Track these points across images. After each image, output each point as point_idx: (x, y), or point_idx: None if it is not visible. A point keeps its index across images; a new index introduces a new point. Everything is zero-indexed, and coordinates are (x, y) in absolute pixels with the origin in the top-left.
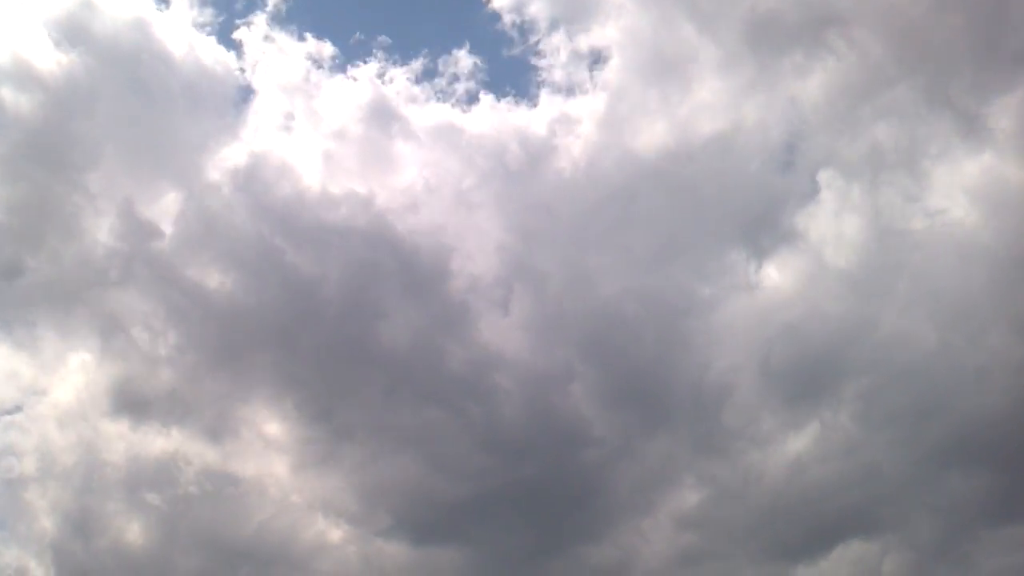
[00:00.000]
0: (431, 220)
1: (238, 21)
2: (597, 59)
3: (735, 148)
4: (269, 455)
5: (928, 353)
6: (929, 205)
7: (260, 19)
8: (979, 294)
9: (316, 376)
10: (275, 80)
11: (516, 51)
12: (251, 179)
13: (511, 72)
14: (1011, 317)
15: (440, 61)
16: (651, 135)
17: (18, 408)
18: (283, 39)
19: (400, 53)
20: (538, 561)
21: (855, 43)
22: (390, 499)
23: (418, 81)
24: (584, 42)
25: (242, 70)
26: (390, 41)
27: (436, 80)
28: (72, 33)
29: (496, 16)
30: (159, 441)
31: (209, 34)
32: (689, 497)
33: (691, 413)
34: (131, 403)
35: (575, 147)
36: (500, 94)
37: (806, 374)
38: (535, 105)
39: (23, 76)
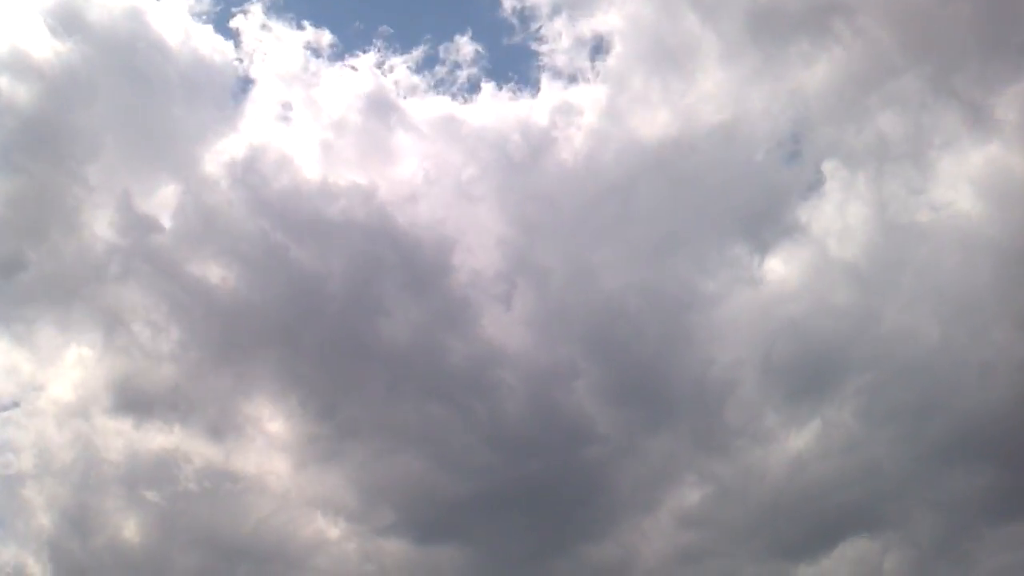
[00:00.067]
0: (432, 212)
1: (234, 9)
2: (599, 46)
3: (739, 138)
4: (269, 451)
5: (931, 349)
6: (934, 197)
7: (257, 8)
8: (983, 289)
9: (317, 372)
10: (273, 69)
11: (517, 38)
12: (250, 171)
13: (513, 59)
14: (1015, 312)
15: (441, 48)
16: (654, 125)
17: (15, 404)
18: (280, 28)
19: (400, 41)
20: (540, 560)
21: (860, 32)
22: (392, 497)
23: (419, 70)
24: (586, 28)
25: (240, 60)
26: (390, 30)
27: (437, 68)
28: (68, 21)
29: (497, 2)
30: (158, 437)
31: (206, 22)
32: (691, 495)
33: (693, 410)
34: (129, 398)
35: (577, 137)
36: (501, 82)
37: (808, 370)
38: (537, 92)
39: (19, 65)
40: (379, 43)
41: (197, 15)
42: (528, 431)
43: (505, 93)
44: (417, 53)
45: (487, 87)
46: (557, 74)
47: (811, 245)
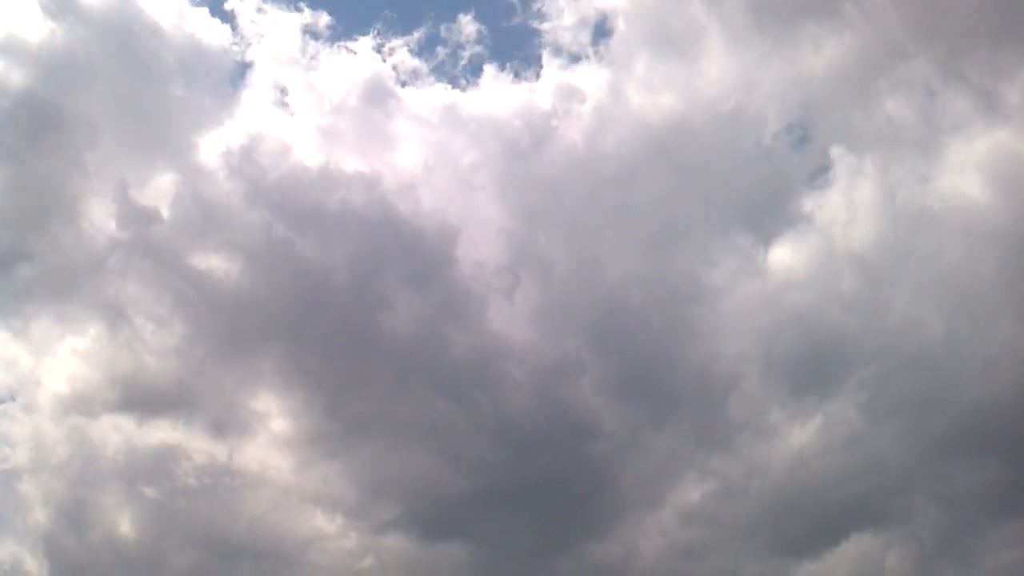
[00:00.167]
0: (433, 200)
1: None
2: (602, 28)
3: (744, 124)
4: (270, 447)
5: (935, 342)
6: (942, 184)
7: None
8: (989, 281)
9: (320, 366)
10: (271, 53)
11: (519, 18)
12: (248, 160)
13: (515, 39)
14: (1021, 305)
15: (443, 28)
16: (657, 110)
17: (11, 397)
18: (277, 11)
19: (401, 23)
20: (542, 557)
21: (869, 15)
22: (395, 493)
23: (420, 52)
24: (589, 7)
25: (236, 44)
26: (392, 14)
27: (438, 49)
28: (62, 2)
29: None
30: (156, 432)
31: (200, 5)
32: (694, 491)
33: (696, 405)
34: (126, 392)
35: (579, 123)
36: (503, 62)
37: (812, 364)
38: (539, 75)
39: (13, 48)
40: (379, 25)
41: None
42: (532, 426)
43: (507, 75)
44: (418, 34)
45: (489, 69)
46: (559, 53)
47: (817, 235)
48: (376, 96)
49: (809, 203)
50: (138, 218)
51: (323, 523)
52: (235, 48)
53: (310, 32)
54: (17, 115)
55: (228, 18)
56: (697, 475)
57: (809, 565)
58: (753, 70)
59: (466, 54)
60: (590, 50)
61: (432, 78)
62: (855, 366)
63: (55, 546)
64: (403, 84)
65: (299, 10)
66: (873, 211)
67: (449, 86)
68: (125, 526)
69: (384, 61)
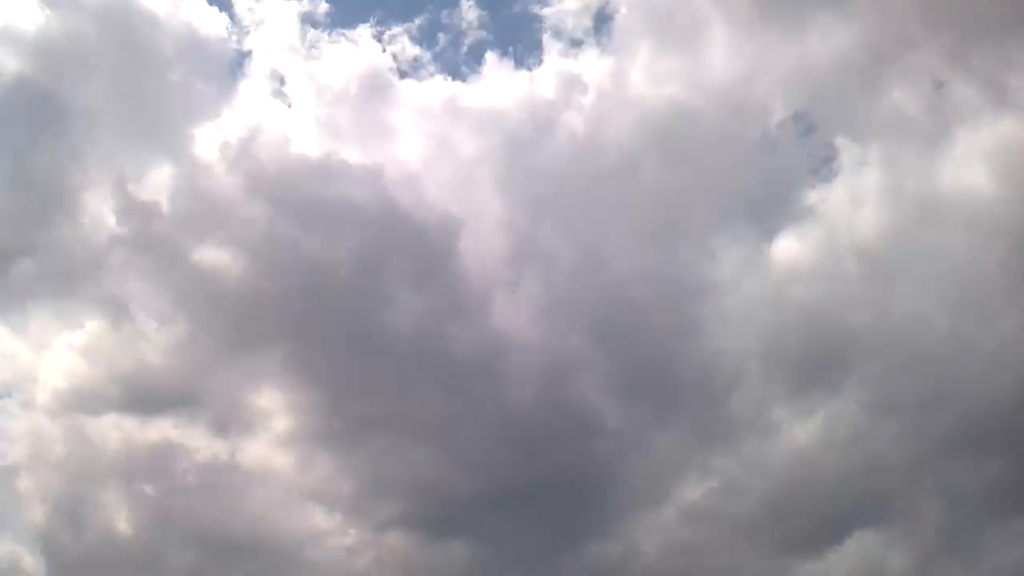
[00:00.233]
0: (435, 192)
1: None
2: (604, 13)
3: (749, 114)
4: (271, 444)
5: (939, 338)
6: (948, 175)
7: None
8: (994, 275)
9: (321, 362)
10: (268, 42)
11: (520, 5)
12: (247, 152)
13: (516, 25)
14: None
15: (443, 14)
16: (659, 100)
17: (8, 393)
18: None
19: (401, 10)
20: (543, 555)
21: (876, 3)
22: (397, 491)
23: (420, 39)
24: None
25: (235, 34)
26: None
27: (439, 35)
28: None
29: None
30: (156, 429)
31: None
32: (695, 490)
33: (698, 403)
34: (126, 389)
35: (581, 115)
36: (505, 49)
37: (814, 360)
38: (540, 61)
39: (8, 36)
40: (378, 12)
41: None
42: (535, 424)
43: (508, 62)
44: (419, 21)
45: (491, 56)
46: (560, 37)
47: (821, 228)
48: (376, 86)
49: (814, 195)
50: (137, 213)
51: (324, 521)
52: (233, 37)
53: (309, 20)
54: (13, 104)
55: (225, 6)
56: (699, 473)
57: (811, 563)
58: (758, 58)
59: (467, 41)
60: (592, 36)
61: (433, 67)
62: (858, 362)
63: (53, 543)
64: (403, 73)
65: None
66: (878, 203)
67: (450, 75)
68: (124, 523)
69: (384, 51)
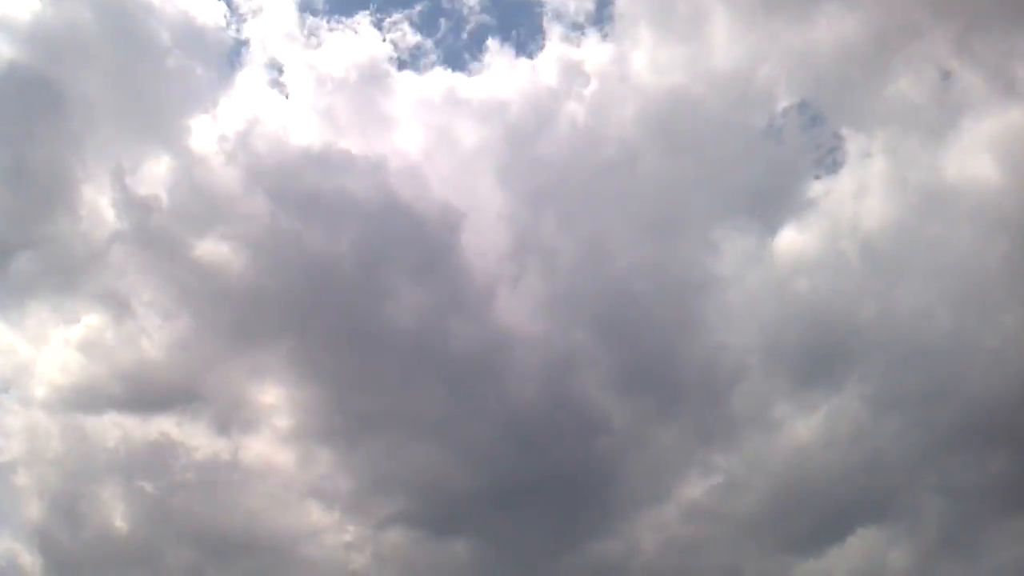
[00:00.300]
0: (436, 184)
1: None
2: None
3: (752, 103)
4: (272, 441)
5: (942, 334)
6: (954, 165)
7: None
8: (997, 269)
9: (322, 358)
10: (267, 31)
11: None
12: (245, 144)
13: (517, 11)
14: None
15: (444, 0)
16: (661, 88)
17: (6, 388)
18: None
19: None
20: (544, 552)
21: None
22: (399, 488)
23: (421, 26)
24: None
25: (233, 22)
26: None
27: (440, 20)
28: None
29: None
30: (155, 426)
31: None
32: (697, 487)
33: (701, 399)
34: (125, 385)
35: (582, 104)
36: (506, 35)
37: (817, 356)
38: (542, 47)
39: (4, 25)
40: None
41: None
42: (537, 420)
43: (510, 49)
44: (420, 7)
45: (492, 44)
46: (562, 21)
47: (826, 220)
48: (376, 75)
49: (818, 187)
50: (137, 207)
51: (324, 517)
52: (231, 26)
53: (307, 7)
54: (8, 94)
55: None
56: (700, 470)
57: (813, 561)
58: (762, 46)
59: (468, 27)
60: (593, 22)
61: (434, 55)
62: (860, 358)
63: (50, 540)
64: (403, 62)
65: None
66: (883, 195)
67: (451, 63)
68: (122, 521)
69: (384, 39)
